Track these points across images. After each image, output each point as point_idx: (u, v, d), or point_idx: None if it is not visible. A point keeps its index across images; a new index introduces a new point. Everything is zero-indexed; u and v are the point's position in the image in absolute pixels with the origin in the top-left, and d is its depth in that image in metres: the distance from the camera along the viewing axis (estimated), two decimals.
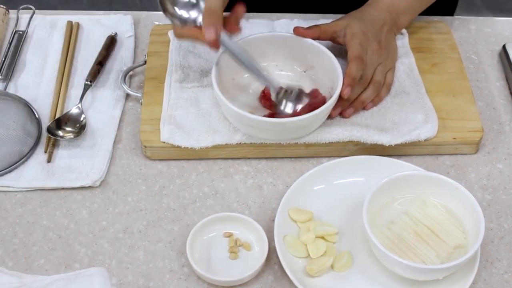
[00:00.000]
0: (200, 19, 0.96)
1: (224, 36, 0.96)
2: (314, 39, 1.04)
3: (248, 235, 0.92)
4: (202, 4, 0.96)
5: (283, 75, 1.07)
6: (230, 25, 0.98)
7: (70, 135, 1.02)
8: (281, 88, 1.00)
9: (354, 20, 1.04)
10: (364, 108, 1.03)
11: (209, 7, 0.96)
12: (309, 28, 1.05)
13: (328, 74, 1.02)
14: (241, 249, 0.91)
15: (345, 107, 1.01)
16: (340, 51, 1.06)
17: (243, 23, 1.17)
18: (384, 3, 1.07)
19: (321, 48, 1.03)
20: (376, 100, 1.04)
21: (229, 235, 0.92)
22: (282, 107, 1.00)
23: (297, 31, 1.04)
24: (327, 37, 1.05)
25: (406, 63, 1.11)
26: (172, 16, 0.97)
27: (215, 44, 0.95)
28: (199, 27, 0.96)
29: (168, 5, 0.97)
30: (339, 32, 1.04)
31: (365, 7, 1.08)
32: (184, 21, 0.97)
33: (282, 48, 1.06)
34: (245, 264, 0.90)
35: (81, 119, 1.04)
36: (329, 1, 1.23)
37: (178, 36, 0.99)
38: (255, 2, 1.24)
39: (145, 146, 1.01)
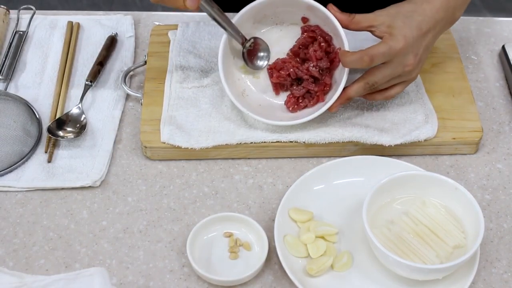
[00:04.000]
0: None
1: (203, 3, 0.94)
2: (342, 26, 0.97)
3: (248, 235, 0.93)
4: None
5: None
6: None
7: (71, 135, 1.02)
8: (246, 39, 1.01)
9: (399, 19, 0.94)
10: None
11: None
12: (342, 12, 0.97)
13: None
14: (241, 249, 0.92)
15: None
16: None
17: None
18: (442, 0, 0.95)
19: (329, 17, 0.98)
20: (366, 97, 1.01)
21: (229, 235, 0.92)
22: (254, 60, 1.03)
23: (331, 6, 0.97)
24: (358, 29, 0.97)
25: None
26: None
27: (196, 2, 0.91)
28: None
29: None
30: (376, 27, 0.95)
31: (419, 2, 0.95)
32: None
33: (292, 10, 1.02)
34: (245, 264, 0.90)
35: (82, 119, 1.04)
36: (329, 1, 1.23)
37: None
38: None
39: (145, 147, 1.01)
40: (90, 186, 0.98)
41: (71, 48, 1.14)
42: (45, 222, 0.95)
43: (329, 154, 1.02)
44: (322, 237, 0.92)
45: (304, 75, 1.00)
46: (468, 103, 1.06)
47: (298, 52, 1.02)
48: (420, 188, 0.93)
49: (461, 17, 1.23)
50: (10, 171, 0.99)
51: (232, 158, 1.02)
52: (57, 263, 0.91)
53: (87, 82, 1.09)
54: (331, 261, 0.89)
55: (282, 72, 1.02)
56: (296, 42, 1.03)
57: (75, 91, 1.09)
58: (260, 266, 0.88)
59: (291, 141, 1.01)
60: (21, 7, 1.19)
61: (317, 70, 1.00)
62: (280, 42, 1.05)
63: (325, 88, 1.00)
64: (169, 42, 1.14)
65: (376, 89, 0.98)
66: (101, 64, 1.11)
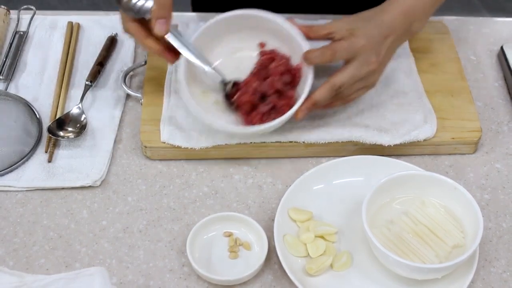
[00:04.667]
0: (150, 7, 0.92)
1: (173, 34, 0.94)
2: (307, 38, 0.98)
3: (248, 234, 0.93)
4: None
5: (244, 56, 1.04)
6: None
7: (71, 135, 1.02)
8: (226, 82, 0.99)
9: (358, 22, 0.96)
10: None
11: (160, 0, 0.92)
12: (301, 25, 0.99)
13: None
14: (241, 249, 0.92)
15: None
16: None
17: None
18: (400, 8, 0.97)
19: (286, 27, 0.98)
20: (326, 107, 1.00)
21: (229, 235, 0.93)
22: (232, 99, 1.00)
23: (290, 20, 0.99)
24: (318, 38, 0.98)
25: (405, 63, 1.11)
26: (126, 4, 0.93)
27: (164, 45, 0.93)
28: (146, 25, 0.93)
29: None
30: (335, 32, 0.96)
31: (378, 10, 0.98)
32: (137, 11, 0.92)
33: (244, 26, 1.02)
34: (245, 263, 0.90)
35: (82, 119, 1.04)
36: (329, 1, 1.23)
37: (126, 30, 0.96)
38: (255, 2, 1.24)
39: (145, 146, 1.01)
40: (90, 186, 0.98)
41: (71, 48, 1.15)
42: (45, 221, 0.95)
43: (328, 154, 1.03)
44: (322, 237, 0.92)
45: (269, 90, 0.97)
46: (467, 103, 1.07)
47: (259, 73, 0.99)
48: (420, 188, 0.93)
49: (460, 17, 1.24)
50: (10, 171, 0.99)
51: (232, 158, 1.02)
52: (57, 263, 0.91)
53: (87, 82, 1.09)
54: (330, 260, 0.89)
55: (249, 89, 0.98)
56: (255, 65, 1.01)
57: (75, 91, 1.09)
58: (260, 265, 0.88)
59: (290, 141, 1.01)
60: (22, 7, 1.20)
61: (281, 82, 0.98)
62: (239, 69, 1.02)
63: (290, 102, 0.97)
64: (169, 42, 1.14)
65: (342, 93, 0.96)
66: (101, 64, 1.12)
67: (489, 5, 2.64)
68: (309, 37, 0.98)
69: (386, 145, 1.00)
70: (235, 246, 0.91)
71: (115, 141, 1.04)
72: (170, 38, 0.95)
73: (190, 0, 1.35)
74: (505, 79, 1.14)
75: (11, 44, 1.15)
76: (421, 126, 1.02)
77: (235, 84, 0.99)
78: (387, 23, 0.96)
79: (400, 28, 0.97)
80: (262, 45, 1.03)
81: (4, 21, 1.18)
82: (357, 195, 0.95)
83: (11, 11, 1.20)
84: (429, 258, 0.87)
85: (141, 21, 0.95)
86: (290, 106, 0.96)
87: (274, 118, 0.96)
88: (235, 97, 0.98)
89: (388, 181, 0.91)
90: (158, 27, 0.92)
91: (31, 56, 1.15)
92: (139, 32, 0.95)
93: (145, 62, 1.12)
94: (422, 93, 1.07)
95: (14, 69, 1.12)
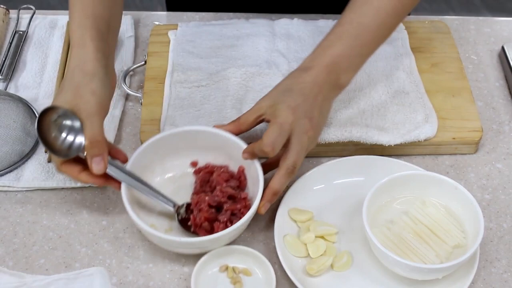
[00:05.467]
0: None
1: (112, 167, 0.88)
2: (236, 134, 0.93)
3: (245, 261, 0.89)
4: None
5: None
6: (115, 153, 0.91)
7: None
8: (179, 206, 0.92)
9: (279, 95, 0.91)
10: None
11: (92, 136, 0.85)
12: (228, 124, 0.94)
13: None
14: (242, 277, 0.89)
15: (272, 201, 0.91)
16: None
17: (243, 23, 1.18)
18: (322, 65, 0.91)
19: (235, 141, 0.93)
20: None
21: (226, 268, 0.89)
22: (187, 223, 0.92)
23: (216, 126, 0.94)
24: (250, 126, 0.93)
25: (405, 63, 1.11)
26: (54, 147, 0.87)
27: (103, 176, 0.87)
28: (82, 161, 0.88)
29: (49, 131, 0.86)
30: (264, 114, 0.91)
31: (298, 72, 0.92)
32: (66, 153, 0.87)
33: (196, 141, 0.97)
34: (253, 286, 0.88)
35: None
36: (329, 1, 1.23)
37: (59, 171, 0.90)
38: (255, 2, 1.24)
39: None
40: (90, 186, 0.98)
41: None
42: (45, 221, 0.95)
43: (329, 154, 1.02)
44: (322, 237, 0.92)
45: (221, 198, 0.91)
46: (468, 103, 1.07)
47: (204, 189, 0.94)
48: (420, 188, 0.93)
49: (461, 17, 1.24)
50: (10, 171, 0.99)
51: None
52: (57, 263, 0.91)
53: None
54: (331, 261, 0.89)
55: (203, 206, 0.90)
56: (195, 184, 0.96)
57: None
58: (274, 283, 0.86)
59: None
60: (21, 7, 1.19)
61: (230, 188, 0.92)
62: (179, 193, 0.96)
63: (247, 203, 0.91)
64: (169, 42, 1.14)
65: (298, 168, 0.90)
66: None
67: (490, 5, 2.64)
68: (241, 131, 0.93)
69: (386, 145, 1.00)
70: (236, 276, 0.89)
71: (115, 141, 1.04)
72: (111, 172, 0.88)
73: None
74: (506, 79, 1.14)
75: (10, 44, 1.15)
76: (422, 126, 1.02)
77: (188, 206, 0.92)
78: (310, 83, 0.91)
79: (326, 83, 0.92)
80: (194, 164, 0.98)
81: (3, 21, 1.18)
82: (357, 195, 0.94)
83: (10, 10, 1.20)
84: (430, 258, 0.87)
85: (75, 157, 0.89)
86: (248, 207, 0.90)
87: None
88: (191, 220, 0.91)
89: (388, 181, 0.91)
90: (95, 167, 0.86)
91: (30, 55, 1.14)
92: (71, 171, 0.88)
93: (145, 62, 1.12)
94: (423, 93, 1.07)
95: (13, 69, 1.12)
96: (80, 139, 0.87)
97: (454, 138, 1.02)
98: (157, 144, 0.94)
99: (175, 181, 0.97)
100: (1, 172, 0.99)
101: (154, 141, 0.94)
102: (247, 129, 0.94)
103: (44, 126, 0.87)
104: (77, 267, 0.91)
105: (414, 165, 0.99)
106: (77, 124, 0.86)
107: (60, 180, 0.98)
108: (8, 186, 0.98)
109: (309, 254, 0.90)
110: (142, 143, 1.00)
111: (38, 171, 0.99)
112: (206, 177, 0.95)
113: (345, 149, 1.02)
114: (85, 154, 0.87)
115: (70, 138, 0.87)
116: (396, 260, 0.84)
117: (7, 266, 0.90)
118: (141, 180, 0.91)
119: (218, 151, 0.96)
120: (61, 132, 0.87)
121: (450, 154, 1.04)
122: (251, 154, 0.91)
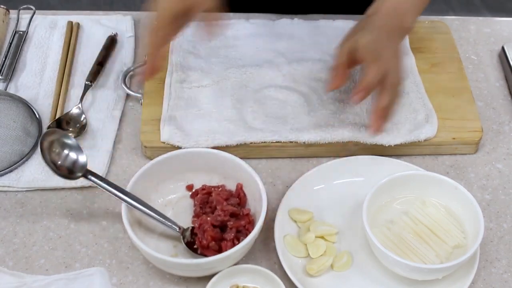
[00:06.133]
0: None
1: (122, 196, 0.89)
2: (344, 81, 0.98)
3: (254, 279, 0.88)
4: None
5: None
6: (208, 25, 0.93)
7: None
8: (184, 229, 0.91)
9: (354, 35, 0.96)
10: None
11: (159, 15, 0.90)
12: (334, 76, 0.98)
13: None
14: None
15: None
16: None
17: (243, 23, 1.17)
18: (386, 8, 0.95)
19: (237, 161, 0.94)
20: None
21: (236, 287, 0.88)
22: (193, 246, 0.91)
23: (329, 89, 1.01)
24: (349, 67, 0.97)
25: (405, 63, 1.11)
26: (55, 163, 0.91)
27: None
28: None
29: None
30: (350, 52, 0.96)
31: (366, 17, 0.97)
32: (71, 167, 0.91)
33: (197, 163, 0.96)
34: None
35: (82, 119, 1.04)
36: (329, 1, 1.23)
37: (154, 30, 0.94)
38: (255, 2, 1.24)
39: (145, 147, 1.01)
40: (90, 186, 0.98)
41: (71, 48, 1.14)
42: (45, 222, 0.95)
43: (329, 154, 1.02)
44: (322, 237, 0.92)
45: (224, 217, 0.90)
46: (468, 103, 1.07)
47: (204, 210, 0.93)
48: (420, 188, 0.93)
49: (461, 17, 1.24)
50: (10, 171, 0.99)
51: None
52: (57, 263, 0.91)
53: (87, 82, 1.09)
54: (331, 261, 0.89)
55: (206, 227, 0.89)
56: (194, 206, 0.94)
57: (75, 91, 1.09)
58: None
59: (291, 141, 1.01)
60: (21, 7, 1.19)
61: (231, 206, 0.91)
62: (179, 217, 0.94)
63: (250, 219, 0.91)
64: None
65: (388, 77, 0.94)
66: (101, 64, 1.11)
67: (489, 5, 2.64)
68: (347, 74, 0.98)
69: (386, 145, 1.00)
70: None
71: (115, 141, 1.04)
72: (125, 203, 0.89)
73: None
74: (506, 79, 1.14)
75: (10, 44, 1.15)
76: (422, 126, 1.02)
77: (192, 230, 0.91)
78: (382, 24, 0.95)
79: (393, 25, 0.95)
80: (189, 187, 0.97)
81: (3, 21, 1.18)
82: (357, 195, 0.94)
83: (10, 10, 1.20)
84: (430, 258, 0.87)
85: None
86: (252, 223, 0.91)
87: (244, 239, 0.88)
88: (197, 243, 0.90)
89: (388, 181, 0.91)
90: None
91: (30, 56, 1.14)
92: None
93: (145, 62, 1.12)
94: (423, 93, 1.07)
95: (13, 69, 1.12)
96: (83, 158, 0.92)
97: (454, 138, 1.02)
98: (151, 170, 0.93)
99: (173, 206, 0.96)
100: (1, 172, 0.99)
101: (147, 169, 0.93)
102: (348, 74, 0.98)
103: (46, 144, 0.92)
104: (77, 267, 0.91)
105: (414, 165, 0.99)
106: (76, 144, 0.93)
107: (60, 180, 0.98)
108: (8, 186, 0.98)
109: (309, 254, 0.90)
110: (142, 143, 1.01)
111: (38, 171, 0.99)
112: (205, 198, 0.94)
113: (345, 149, 1.02)
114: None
115: (73, 156, 0.93)
116: (396, 260, 0.84)
117: (7, 266, 0.90)
118: (146, 203, 0.90)
119: (212, 171, 0.96)
120: (63, 150, 0.92)
121: (450, 154, 1.04)
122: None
